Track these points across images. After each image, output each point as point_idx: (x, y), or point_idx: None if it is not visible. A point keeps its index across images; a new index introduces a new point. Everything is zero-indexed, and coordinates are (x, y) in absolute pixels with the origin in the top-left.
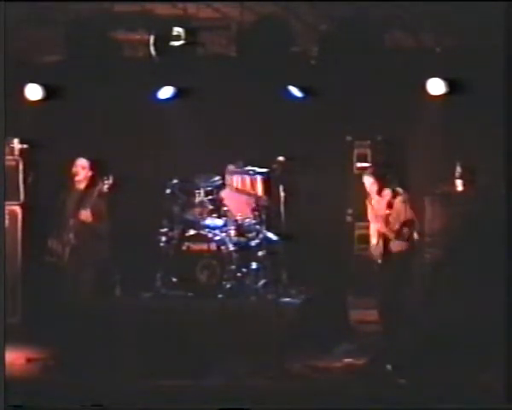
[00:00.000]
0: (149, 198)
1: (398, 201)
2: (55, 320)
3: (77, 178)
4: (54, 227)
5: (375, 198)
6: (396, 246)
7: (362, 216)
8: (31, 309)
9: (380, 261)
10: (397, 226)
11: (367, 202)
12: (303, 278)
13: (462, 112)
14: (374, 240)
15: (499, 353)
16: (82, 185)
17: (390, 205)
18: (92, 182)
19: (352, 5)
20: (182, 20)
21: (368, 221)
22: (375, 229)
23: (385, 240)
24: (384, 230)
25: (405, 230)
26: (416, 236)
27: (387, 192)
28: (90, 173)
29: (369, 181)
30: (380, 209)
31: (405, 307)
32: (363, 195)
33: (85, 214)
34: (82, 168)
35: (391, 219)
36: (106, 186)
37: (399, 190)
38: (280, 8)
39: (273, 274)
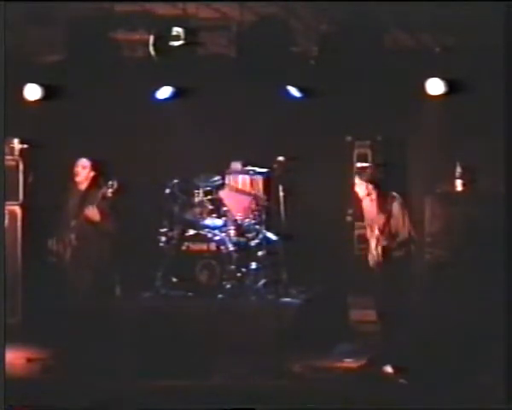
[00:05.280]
0: (149, 198)
1: (395, 206)
2: (55, 320)
3: (78, 179)
4: (54, 227)
5: (365, 201)
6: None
7: (362, 216)
8: (31, 309)
9: (379, 263)
10: (396, 235)
11: (362, 205)
12: (303, 278)
13: (462, 112)
14: (372, 244)
15: (499, 353)
16: (83, 185)
17: (387, 211)
18: (94, 182)
19: (351, 5)
20: (182, 20)
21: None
22: (371, 233)
23: (383, 246)
24: (383, 237)
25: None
26: (413, 246)
27: (378, 196)
28: (91, 174)
29: (359, 183)
30: (371, 213)
31: (405, 307)
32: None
33: (92, 212)
34: (82, 168)
35: (391, 223)
36: (110, 190)
37: (395, 194)
38: (280, 9)
39: (273, 274)
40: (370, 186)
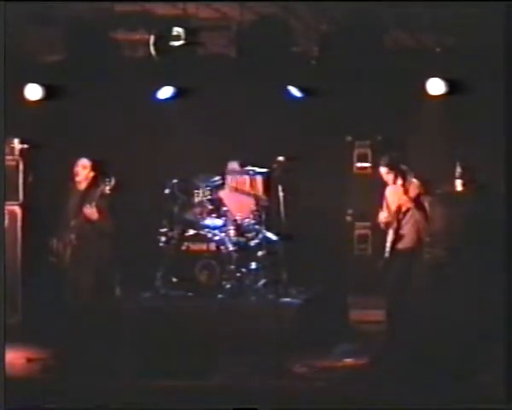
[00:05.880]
0: (149, 198)
1: (413, 189)
2: (55, 320)
3: (77, 179)
4: (54, 227)
5: (390, 188)
6: (405, 240)
7: (362, 216)
8: (31, 309)
9: (383, 259)
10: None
11: (385, 194)
12: (303, 278)
13: (462, 112)
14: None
15: (499, 353)
16: (83, 185)
17: (410, 197)
18: (94, 182)
19: (351, 5)
20: (182, 20)
21: (368, 220)
22: (386, 220)
23: (395, 234)
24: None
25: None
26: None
27: (402, 182)
28: (91, 174)
29: (384, 171)
30: (395, 199)
31: (405, 307)
32: (380, 187)
33: (91, 211)
34: (83, 168)
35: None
36: (108, 187)
37: (414, 180)
38: (280, 8)
39: (273, 274)
40: (395, 171)
